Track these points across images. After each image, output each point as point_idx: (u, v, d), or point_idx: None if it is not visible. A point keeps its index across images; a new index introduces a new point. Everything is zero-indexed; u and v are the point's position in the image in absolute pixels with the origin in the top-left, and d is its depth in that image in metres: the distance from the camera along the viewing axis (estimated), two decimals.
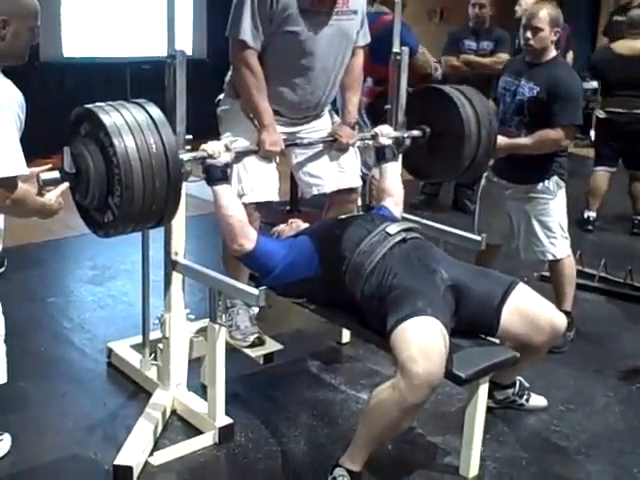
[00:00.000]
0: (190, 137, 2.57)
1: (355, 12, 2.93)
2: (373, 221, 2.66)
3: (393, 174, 3.07)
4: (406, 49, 3.27)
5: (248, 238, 2.60)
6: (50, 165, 2.24)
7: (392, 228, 2.58)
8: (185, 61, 2.52)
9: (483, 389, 2.48)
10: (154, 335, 2.93)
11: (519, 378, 2.92)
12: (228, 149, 2.63)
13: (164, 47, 2.54)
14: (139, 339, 3.03)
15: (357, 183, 3.20)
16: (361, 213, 2.81)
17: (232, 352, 2.85)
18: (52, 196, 2.13)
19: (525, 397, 2.93)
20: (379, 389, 2.27)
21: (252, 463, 2.58)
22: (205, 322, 2.66)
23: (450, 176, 3.50)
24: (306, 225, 2.91)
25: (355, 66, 3.08)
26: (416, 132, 3.20)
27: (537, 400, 2.96)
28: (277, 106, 2.92)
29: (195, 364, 2.94)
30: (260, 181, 2.89)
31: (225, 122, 3.00)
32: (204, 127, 2.86)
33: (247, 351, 2.98)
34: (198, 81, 2.97)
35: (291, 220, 2.97)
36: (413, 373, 2.14)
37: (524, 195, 3.43)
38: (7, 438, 2.57)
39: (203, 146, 2.58)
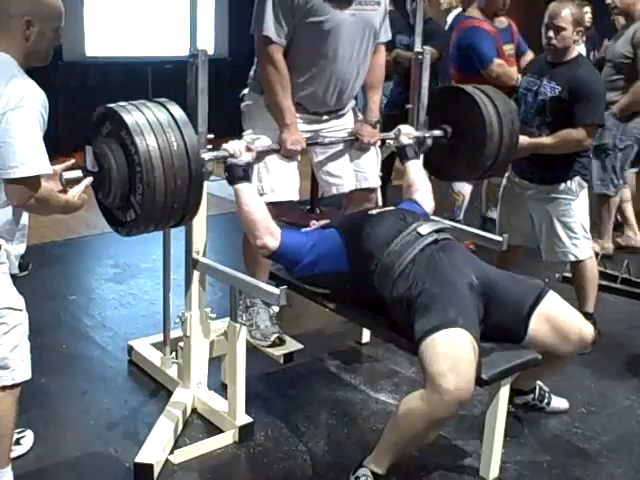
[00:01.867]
0: (212, 136, 2.58)
1: (378, 3, 2.91)
2: (405, 219, 2.58)
3: (416, 170, 3.04)
4: (429, 49, 3.26)
5: (272, 235, 2.58)
6: (73, 161, 2.24)
7: (424, 228, 2.52)
8: (207, 60, 2.53)
9: (504, 391, 2.46)
10: (175, 333, 2.95)
11: (538, 383, 2.89)
12: (249, 149, 2.63)
13: (186, 46, 2.55)
14: (160, 337, 3.05)
15: (376, 183, 3.19)
16: (392, 208, 2.74)
17: (252, 351, 2.85)
18: (75, 192, 2.14)
19: (546, 400, 2.91)
20: (408, 397, 2.23)
21: (272, 462, 2.58)
22: (226, 321, 2.66)
23: (472, 176, 3.48)
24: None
25: (377, 64, 3.07)
26: (437, 132, 3.20)
27: (558, 402, 2.94)
28: (301, 99, 2.92)
29: (216, 363, 2.94)
30: (281, 181, 2.89)
31: (248, 118, 3.00)
32: (225, 126, 2.86)
33: (267, 350, 2.99)
34: (219, 80, 2.98)
35: (313, 222, 2.93)
36: (443, 388, 2.11)
37: (546, 195, 3.40)
38: (30, 435, 2.59)
39: (224, 145, 2.58)
